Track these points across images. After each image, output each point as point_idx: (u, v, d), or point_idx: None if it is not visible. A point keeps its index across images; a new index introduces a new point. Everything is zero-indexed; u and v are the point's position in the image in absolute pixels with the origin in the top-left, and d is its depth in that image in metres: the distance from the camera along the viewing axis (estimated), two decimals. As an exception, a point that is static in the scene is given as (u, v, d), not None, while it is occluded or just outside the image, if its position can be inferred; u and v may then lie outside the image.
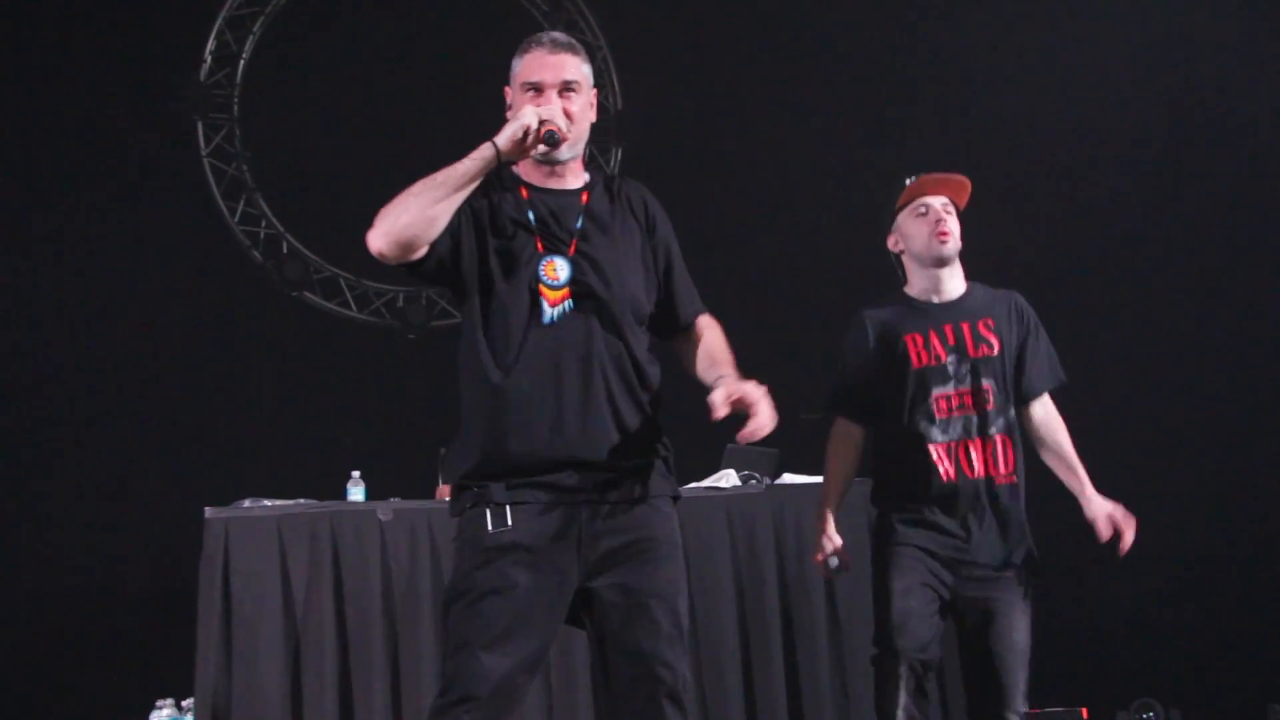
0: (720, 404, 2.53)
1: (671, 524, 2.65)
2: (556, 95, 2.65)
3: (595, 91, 2.78)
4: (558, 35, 2.76)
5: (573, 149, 2.69)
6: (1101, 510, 3.25)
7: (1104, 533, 3.24)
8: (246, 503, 4.15)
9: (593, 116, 2.75)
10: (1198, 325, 6.44)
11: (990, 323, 3.26)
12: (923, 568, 3.17)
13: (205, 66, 7.03)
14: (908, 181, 3.33)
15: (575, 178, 2.73)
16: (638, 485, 2.61)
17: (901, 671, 3.11)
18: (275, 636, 3.94)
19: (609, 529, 2.57)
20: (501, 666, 2.47)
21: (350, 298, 7.09)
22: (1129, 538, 3.23)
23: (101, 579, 5.93)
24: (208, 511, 4.05)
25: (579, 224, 2.67)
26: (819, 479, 4.40)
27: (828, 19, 7.02)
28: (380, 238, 2.53)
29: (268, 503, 4.15)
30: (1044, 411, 3.35)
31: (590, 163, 2.82)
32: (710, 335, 2.82)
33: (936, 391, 3.22)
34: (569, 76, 2.67)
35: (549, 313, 2.60)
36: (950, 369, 3.22)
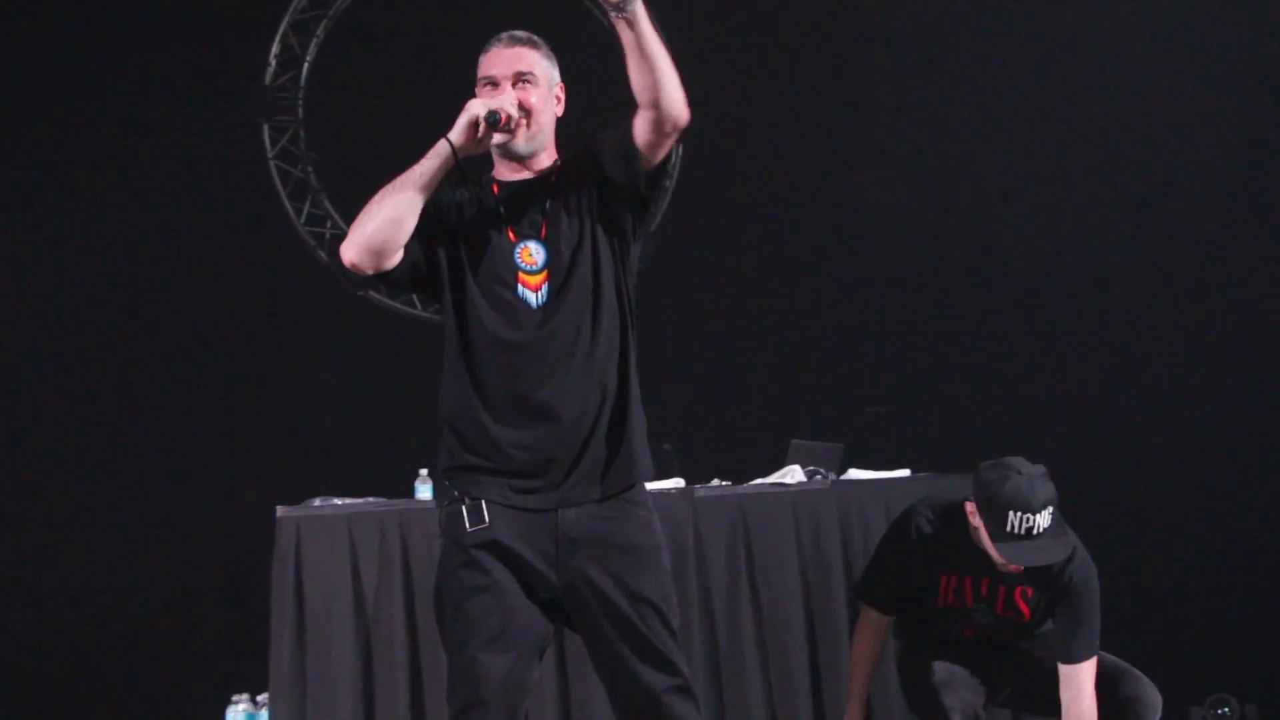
0: None
1: (651, 523, 2.63)
2: (510, 86, 2.66)
3: (561, 86, 2.76)
4: (516, 32, 2.78)
5: (531, 141, 2.69)
6: None
7: None
8: (317, 501, 4.19)
9: (557, 110, 2.74)
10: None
11: (1029, 592, 3.31)
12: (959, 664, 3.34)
13: (270, 70, 7.11)
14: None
15: (543, 165, 2.72)
16: (615, 481, 2.59)
17: None
18: (347, 631, 3.98)
19: (585, 532, 2.54)
20: (501, 665, 2.48)
21: (414, 296, 7.13)
22: None
23: (178, 577, 5.99)
24: (279, 510, 4.09)
25: (547, 205, 2.66)
26: (884, 474, 4.44)
27: (866, 27, 6.97)
28: (351, 249, 2.57)
29: (338, 501, 4.20)
30: (1066, 679, 3.27)
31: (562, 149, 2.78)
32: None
33: (958, 625, 3.37)
34: (522, 68, 2.70)
35: (531, 300, 2.60)
36: (973, 616, 3.34)
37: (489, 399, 2.58)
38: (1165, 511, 6.13)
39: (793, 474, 4.41)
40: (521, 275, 2.61)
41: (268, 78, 7.10)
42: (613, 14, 2.48)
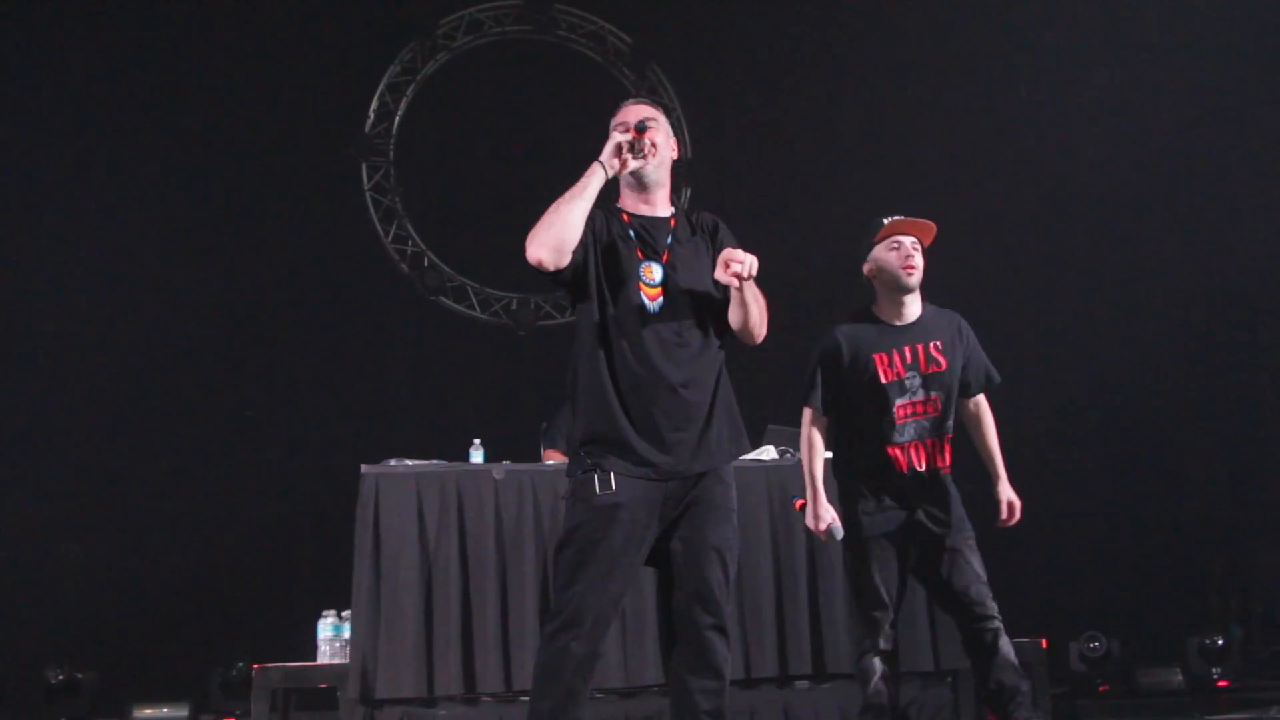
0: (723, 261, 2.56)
1: (730, 493, 2.64)
2: (636, 130, 2.68)
3: (675, 140, 2.78)
4: (642, 97, 2.82)
5: (658, 170, 2.71)
6: (1006, 496, 3.27)
7: (1003, 513, 3.26)
8: (393, 461, 4.17)
9: (674, 153, 2.76)
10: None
11: (939, 344, 3.21)
12: (891, 552, 3.15)
13: (369, 121, 7.12)
14: (885, 221, 3.25)
15: (664, 208, 2.75)
16: (711, 459, 2.60)
17: (881, 651, 3.12)
18: (413, 566, 3.95)
19: (684, 495, 2.57)
20: (599, 602, 2.49)
21: (475, 302, 7.14)
22: (1013, 520, 3.25)
23: (283, 519, 6.02)
24: (363, 468, 4.07)
25: (669, 240, 2.69)
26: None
27: (863, 79, 6.93)
28: (539, 248, 2.54)
29: (409, 462, 4.17)
30: (977, 407, 3.33)
31: (677, 203, 2.82)
32: None
33: (898, 402, 3.16)
34: (647, 115, 2.72)
35: (649, 306, 2.61)
36: (908, 383, 3.18)
37: (618, 387, 2.58)
38: (1056, 483, 6.09)
39: (768, 452, 4.38)
40: (643, 287, 2.62)
41: (367, 127, 7.12)
42: (735, 282, 2.57)
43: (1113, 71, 6.57)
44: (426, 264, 7.07)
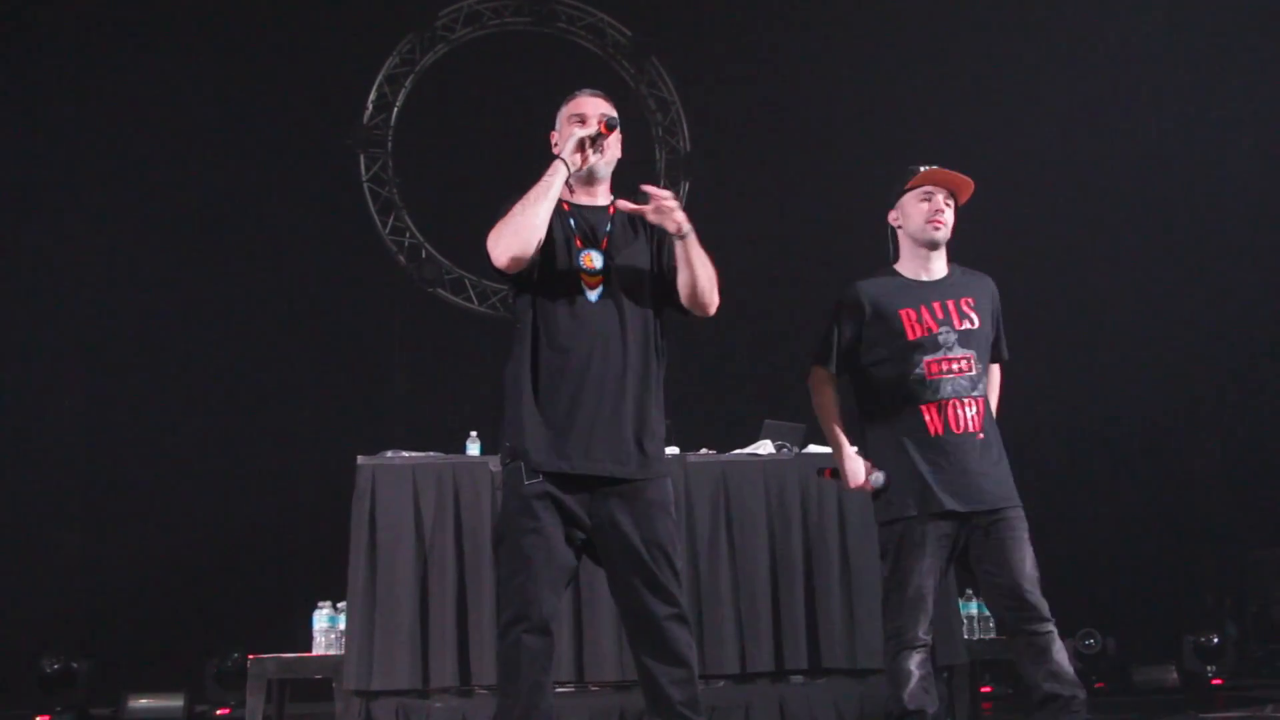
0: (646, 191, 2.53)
1: (666, 487, 2.60)
2: (606, 127, 2.66)
3: (620, 136, 2.75)
4: (594, 90, 2.77)
5: (608, 166, 2.71)
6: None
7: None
8: (389, 453, 4.16)
9: (619, 151, 2.74)
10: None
11: (971, 301, 2.98)
12: (931, 531, 2.85)
13: (367, 112, 7.11)
14: (921, 169, 3.01)
15: (604, 198, 2.73)
16: (644, 457, 2.56)
17: (918, 645, 2.85)
18: (408, 558, 3.95)
19: (616, 491, 2.53)
20: (541, 591, 2.47)
21: (472, 294, 7.14)
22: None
23: (279, 509, 6.01)
24: (360, 459, 4.07)
25: (608, 227, 2.67)
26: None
27: (855, 75, 6.91)
28: (504, 253, 2.51)
29: (405, 454, 4.16)
30: (990, 374, 3.08)
31: (615, 190, 2.77)
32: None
33: (928, 358, 2.90)
34: (611, 113, 2.71)
35: (588, 295, 2.59)
36: (940, 338, 2.92)
37: (549, 377, 2.55)
38: (1053, 482, 6.09)
39: (764, 446, 4.38)
40: (583, 275, 2.59)
41: (365, 117, 7.10)
42: (674, 237, 2.55)
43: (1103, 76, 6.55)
44: (424, 255, 7.06)
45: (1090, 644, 5.68)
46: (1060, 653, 2.87)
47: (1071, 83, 6.72)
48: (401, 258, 7.05)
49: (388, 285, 6.93)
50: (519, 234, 2.51)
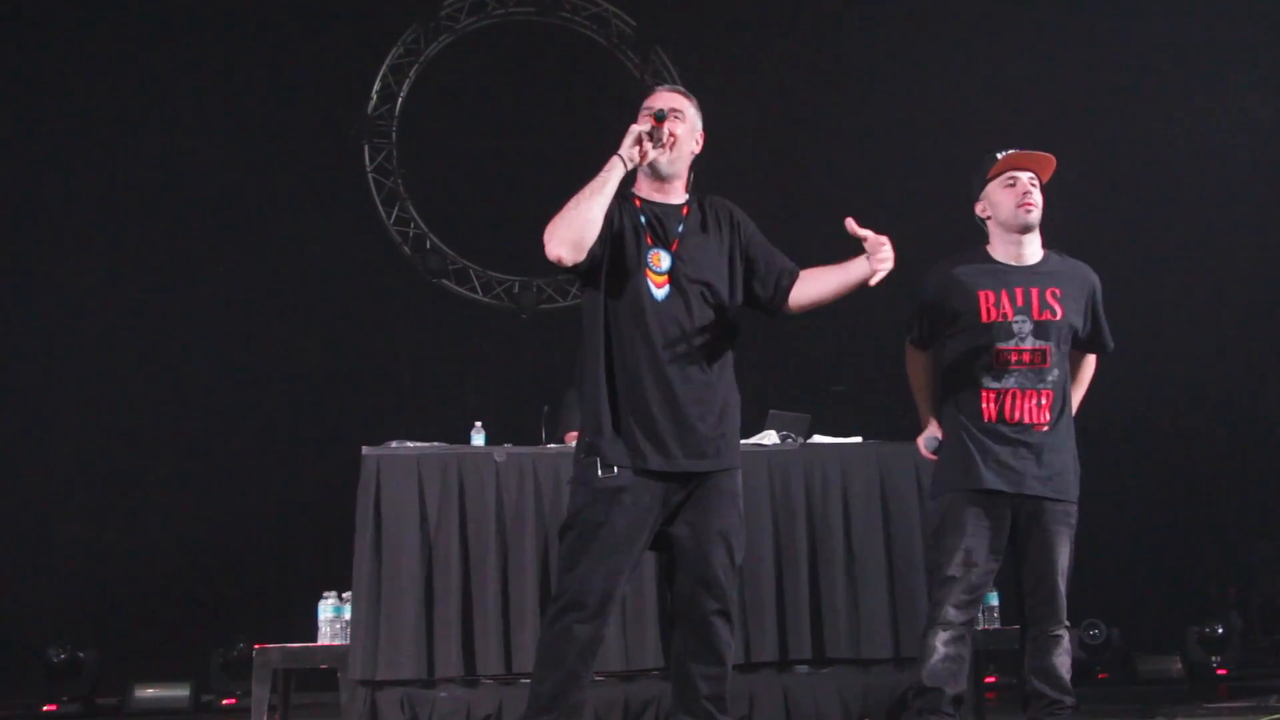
0: (858, 229, 2.56)
1: (737, 479, 2.62)
2: (655, 119, 2.64)
3: (702, 133, 2.75)
4: (675, 85, 2.81)
5: (673, 164, 2.68)
6: None
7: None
8: (394, 444, 4.14)
9: (695, 147, 2.73)
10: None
11: (1058, 291, 2.95)
12: (980, 511, 2.86)
13: (372, 102, 7.09)
14: (999, 155, 3.00)
15: (677, 196, 2.73)
16: (716, 450, 2.58)
17: (948, 624, 2.84)
18: (413, 548, 3.94)
19: (689, 483, 2.55)
20: (602, 585, 2.48)
21: (477, 285, 7.13)
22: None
23: (284, 500, 6.01)
24: (364, 449, 4.05)
25: (680, 229, 2.66)
26: (842, 440, 4.37)
27: (871, 68, 6.88)
28: (559, 245, 2.51)
29: (410, 444, 4.15)
30: (1082, 363, 3.09)
31: (691, 190, 2.78)
32: (814, 270, 2.75)
33: (1000, 345, 2.90)
34: (672, 104, 2.69)
35: (655, 294, 2.58)
36: (1015, 327, 2.90)
37: (620, 374, 2.56)
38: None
39: (769, 437, 4.36)
40: (650, 274, 2.60)
41: (370, 108, 7.09)
42: (878, 276, 2.55)
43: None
44: (429, 246, 7.05)
45: (1095, 634, 5.68)
46: (1063, 657, 2.90)
47: (1081, 73, 6.68)
48: (406, 248, 7.05)
49: (392, 276, 6.93)
50: (571, 227, 2.51)
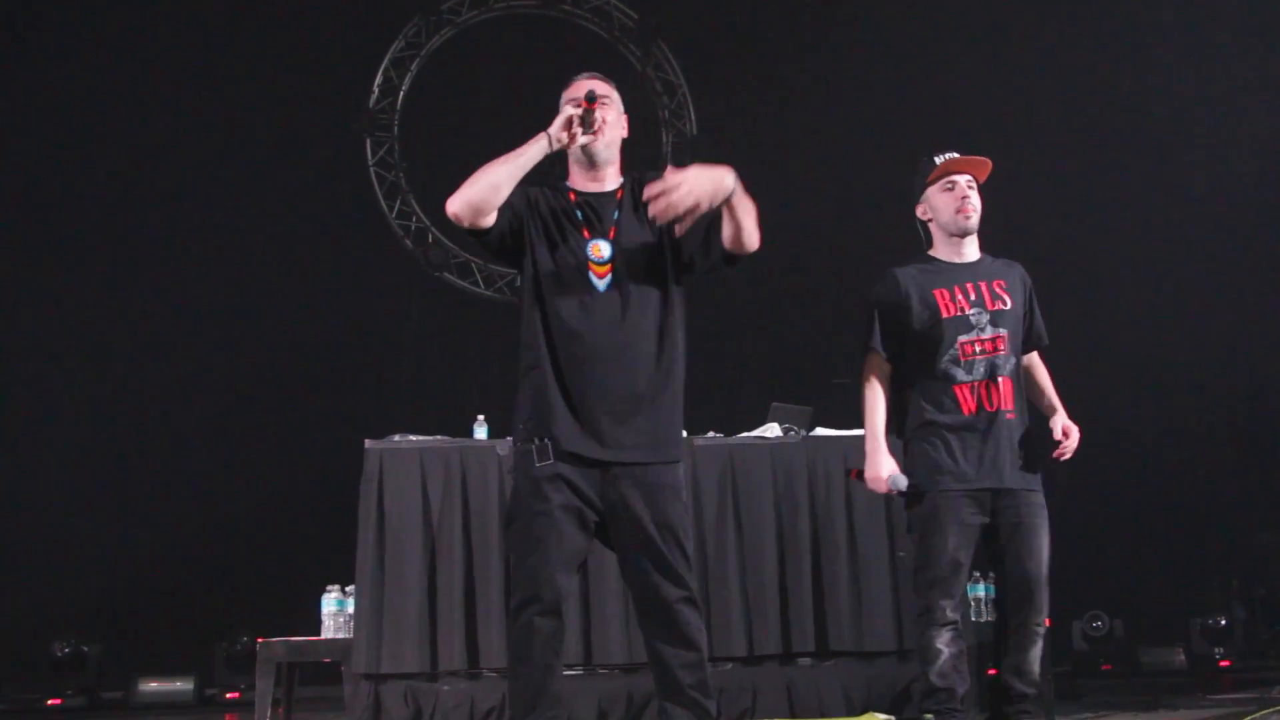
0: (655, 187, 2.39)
1: (677, 472, 2.58)
2: (585, 100, 2.61)
3: (626, 116, 2.71)
4: (594, 72, 2.72)
5: (607, 149, 2.64)
6: (1061, 422, 3.03)
7: (1057, 434, 3.00)
8: (397, 437, 4.15)
9: (623, 131, 2.70)
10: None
11: (1003, 283, 3.04)
12: (962, 508, 2.89)
13: (374, 96, 7.08)
14: (937, 160, 3.07)
15: (611, 182, 2.68)
16: (652, 443, 2.53)
17: (947, 623, 2.86)
18: (416, 540, 3.95)
19: (628, 475, 2.52)
20: (553, 573, 2.46)
21: (479, 278, 7.13)
22: (1071, 444, 2.99)
23: (288, 494, 6.01)
24: (367, 443, 4.06)
25: (615, 214, 2.62)
26: (844, 432, 4.35)
27: (859, 62, 6.86)
28: (457, 203, 2.49)
29: (413, 438, 4.15)
30: (1030, 362, 3.15)
31: (626, 173, 2.72)
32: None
33: (962, 338, 2.97)
34: (601, 92, 2.65)
35: (596, 284, 2.55)
36: (972, 319, 2.97)
37: (561, 364, 2.53)
38: (1059, 464, 6.07)
39: (772, 429, 4.36)
40: (592, 265, 2.56)
41: (372, 102, 7.08)
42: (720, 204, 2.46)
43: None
44: (430, 240, 7.05)
45: (1098, 626, 5.68)
46: (1036, 651, 2.94)
47: (1079, 71, 6.66)
48: (408, 242, 7.04)
49: (394, 269, 6.93)
50: (474, 187, 2.49)
